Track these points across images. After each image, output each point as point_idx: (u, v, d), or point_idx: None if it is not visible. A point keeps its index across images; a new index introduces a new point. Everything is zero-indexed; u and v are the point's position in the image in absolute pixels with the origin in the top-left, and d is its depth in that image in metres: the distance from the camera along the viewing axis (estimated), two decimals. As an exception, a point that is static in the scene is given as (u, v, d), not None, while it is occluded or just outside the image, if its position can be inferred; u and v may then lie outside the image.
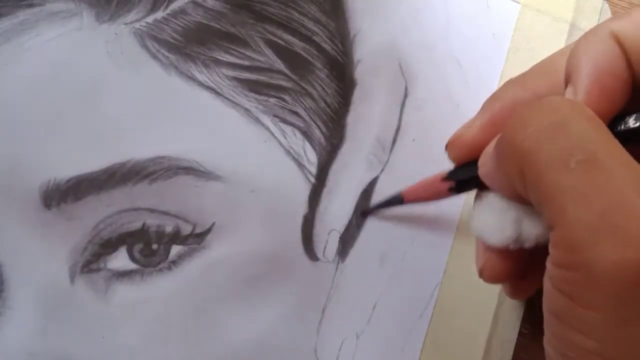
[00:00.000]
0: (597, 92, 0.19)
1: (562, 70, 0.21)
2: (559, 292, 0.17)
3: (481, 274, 0.24)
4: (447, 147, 0.25)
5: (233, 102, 0.28)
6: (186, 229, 0.27)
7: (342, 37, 0.30)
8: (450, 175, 0.25)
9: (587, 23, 0.33)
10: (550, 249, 0.18)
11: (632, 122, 0.19)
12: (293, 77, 0.29)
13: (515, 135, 0.19)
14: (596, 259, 0.16)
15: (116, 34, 0.27)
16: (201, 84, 0.28)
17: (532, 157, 0.18)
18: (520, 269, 0.23)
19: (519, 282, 0.25)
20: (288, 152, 0.29)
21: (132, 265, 0.27)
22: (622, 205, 0.16)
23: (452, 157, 0.25)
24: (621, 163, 0.17)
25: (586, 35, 0.21)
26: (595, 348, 0.17)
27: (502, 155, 0.20)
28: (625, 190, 0.16)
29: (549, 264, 0.18)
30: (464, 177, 0.24)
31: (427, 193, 0.26)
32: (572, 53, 0.21)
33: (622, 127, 0.20)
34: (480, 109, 0.25)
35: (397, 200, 0.28)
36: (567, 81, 0.21)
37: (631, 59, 0.20)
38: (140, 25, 0.27)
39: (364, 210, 0.29)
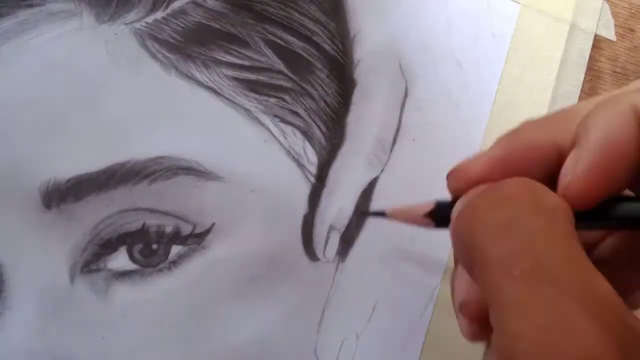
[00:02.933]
0: (600, 167, 0.18)
1: None
2: None
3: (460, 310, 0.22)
4: (448, 176, 0.22)
5: (233, 102, 0.28)
6: (186, 229, 0.27)
7: (342, 37, 0.30)
8: (433, 211, 0.23)
9: (587, 23, 0.33)
10: (491, 351, 0.17)
11: (620, 209, 0.18)
12: (293, 77, 0.29)
13: (467, 224, 0.18)
14: None
15: (116, 34, 0.27)
16: (201, 84, 0.28)
17: (479, 256, 0.17)
18: None
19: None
20: (288, 152, 0.29)
21: (132, 266, 0.27)
22: (564, 324, 0.15)
23: (451, 189, 0.22)
24: (570, 273, 0.15)
25: (607, 101, 0.19)
26: None
27: (454, 236, 0.19)
28: (570, 306, 0.15)
29: None
30: (446, 215, 0.22)
31: (409, 220, 0.25)
32: (587, 115, 0.19)
33: (612, 211, 0.18)
34: (494, 144, 0.22)
35: (381, 214, 0.27)
36: (574, 144, 0.19)
37: None
38: (141, 25, 0.27)
39: (363, 211, 0.29)
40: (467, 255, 0.18)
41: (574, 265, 0.16)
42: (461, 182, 0.21)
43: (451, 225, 0.19)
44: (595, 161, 0.18)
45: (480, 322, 0.20)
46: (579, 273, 0.16)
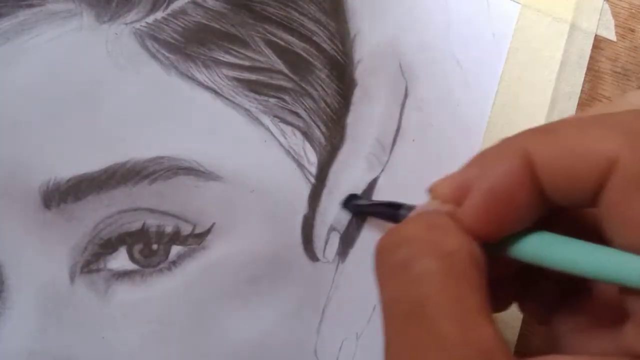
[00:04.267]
0: (482, 213, 0.18)
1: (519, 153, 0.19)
2: None
3: None
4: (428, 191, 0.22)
5: (233, 102, 0.28)
6: (186, 229, 0.27)
7: (342, 37, 0.30)
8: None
9: (587, 23, 0.33)
10: None
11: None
12: (293, 77, 0.29)
13: (374, 262, 0.19)
14: None
15: (116, 34, 0.27)
16: (201, 84, 0.28)
17: (379, 290, 0.18)
18: None
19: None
20: (288, 153, 0.29)
21: (132, 266, 0.27)
22: None
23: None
24: (446, 319, 0.16)
25: (498, 145, 0.19)
26: None
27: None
28: (434, 354, 0.15)
29: None
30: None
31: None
32: (483, 156, 0.19)
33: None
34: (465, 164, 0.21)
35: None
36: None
37: (542, 180, 0.18)
38: (140, 26, 0.27)
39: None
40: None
41: (454, 309, 0.16)
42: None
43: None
44: (478, 207, 0.18)
45: None
46: (456, 318, 0.16)
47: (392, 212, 0.26)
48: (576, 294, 0.21)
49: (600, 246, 0.18)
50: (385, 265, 0.18)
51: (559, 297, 0.22)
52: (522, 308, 0.24)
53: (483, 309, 0.16)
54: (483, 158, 0.20)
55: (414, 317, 0.16)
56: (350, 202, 0.29)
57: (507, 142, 0.19)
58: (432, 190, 0.20)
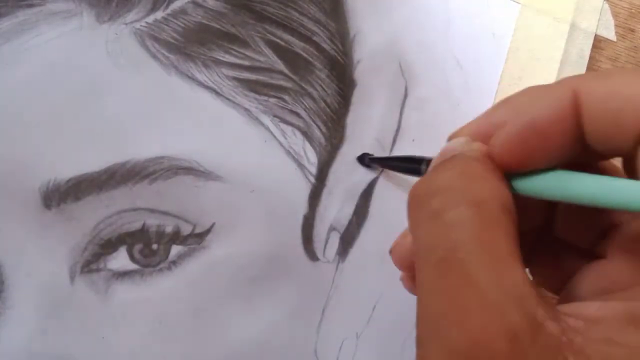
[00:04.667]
0: (516, 143, 0.18)
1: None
2: None
3: (391, 252, 0.23)
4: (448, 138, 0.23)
5: (233, 102, 0.28)
6: (186, 229, 0.27)
7: (342, 37, 0.30)
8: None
9: (587, 23, 0.33)
10: None
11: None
12: (293, 77, 0.29)
13: (408, 209, 0.19)
14: (422, 358, 0.16)
15: (116, 34, 0.27)
16: (201, 84, 0.28)
17: (414, 239, 0.18)
18: None
19: None
20: (288, 152, 0.29)
21: (132, 266, 0.27)
22: (457, 312, 0.16)
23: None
24: (480, 264, 0.16)
25: (546, 85, 0.19)
26: None
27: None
28: (468, 296, 0.16)
29: None
30: None
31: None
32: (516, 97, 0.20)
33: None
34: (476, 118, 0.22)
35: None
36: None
37: (585, 121, 0.18)
38: (141, 25, 0.27)
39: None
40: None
41: (487, 255, 0.16)
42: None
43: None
44: (519, 136, 0.18)
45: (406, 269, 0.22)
46: (489, 263, 0.16)
47: (414, 166, 0.26)
48: (590, 258, 0.21)
49: (621, 178, 0.18)
50: (420, 214, 0.18)
51: (575, 261, 0.22)
52: (535, 273, 0.24)
53: (515, 255, 0.17)
54: (513, 101, 0.20)
55: (448, 263, 0.16)
56: (365, 157, 0.29)
57: (556, 82, 0.19)
58: (455, 135, 0.21)
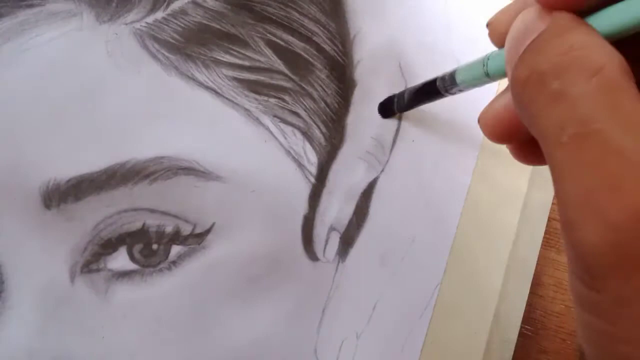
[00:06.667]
0: None
1: None
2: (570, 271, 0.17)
3: (480, 121, 0.22)
4: (487, 25, 0.23)
5: (233, 102, 0.28)
6: (186, 229, 0.27)
7: (342, 37, 0.30)
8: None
9: (587, 23, 0.33)
10: None
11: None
12: (293, 77, 0.29)
13: (521, 95, 0.18)
14: (579, 240, 0.16)
15: (116, 34, 0.27)
16: (201, 84, 0.28)
17: (534, 120, 0.17)
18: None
19: (525, 144, 0.23)
20: (288, 152, 0.29)
21: (132, 266, 0.27)
22: (608, 184, 0.15)
23: (493, 41, 0.23)
24: (616, 131, 0.16)
25: None
26: (607, 329, 0.16)
27: (514, 99, 0.19)
28: (614, 165, 0.15)
29: None
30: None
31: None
32: None
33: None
34: None
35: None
36: None
37: None
38: (140, 26, 0.27)
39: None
40: (525, 119, 0.18)
41: (621, 121, 0.16)
42: (496, 35, 0.22)
43: (510, 87, 0.19)
44: None
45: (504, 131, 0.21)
46: (627, 128, 0.16)
47: (436, 87, 0.26)
48: None
49: None
50: (540, 99, 0.17)
51: None
52: None
53: None
54: None
55: (584, 137, 0.16)
56: (387, 106, 0.29)
57: None
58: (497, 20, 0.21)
